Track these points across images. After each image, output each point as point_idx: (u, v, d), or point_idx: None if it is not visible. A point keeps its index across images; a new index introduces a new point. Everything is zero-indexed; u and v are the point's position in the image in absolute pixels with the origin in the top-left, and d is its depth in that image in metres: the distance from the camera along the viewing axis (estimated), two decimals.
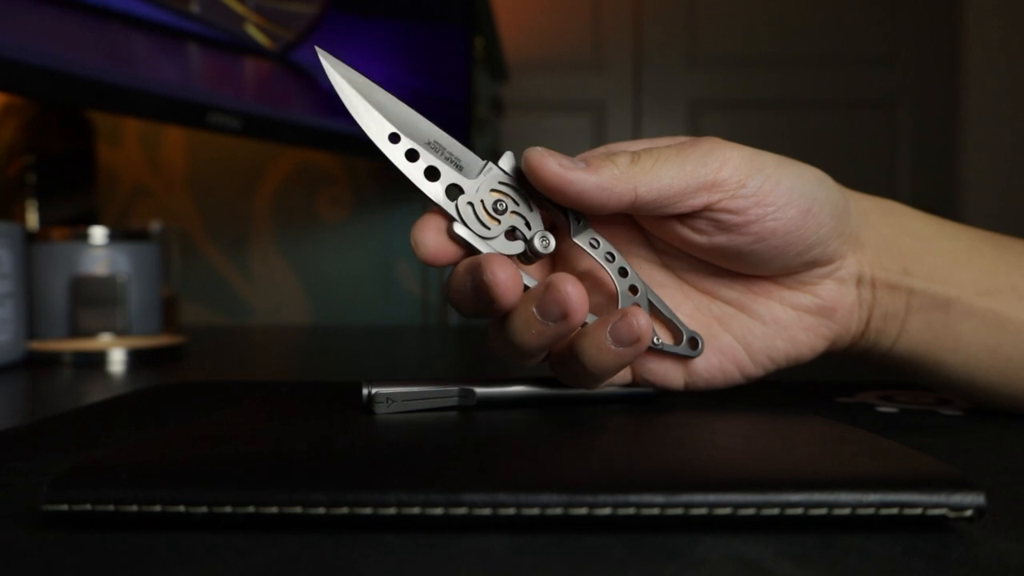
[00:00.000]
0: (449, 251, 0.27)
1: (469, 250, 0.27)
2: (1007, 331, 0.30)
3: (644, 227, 0.30)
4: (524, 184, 0.28)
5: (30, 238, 0.61)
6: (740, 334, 0.30)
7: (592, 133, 2.07)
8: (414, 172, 0.27)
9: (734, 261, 0.29)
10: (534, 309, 0.26)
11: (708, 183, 0.27)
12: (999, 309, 0.30)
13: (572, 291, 0.25)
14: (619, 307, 0.29)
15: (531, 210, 0.28)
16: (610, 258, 0.29)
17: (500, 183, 0.28)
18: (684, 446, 0.23)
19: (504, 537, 0.18)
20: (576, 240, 0.28)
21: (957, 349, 0.31)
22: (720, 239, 0.28)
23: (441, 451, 0.22)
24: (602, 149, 0.29)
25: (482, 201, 0.27)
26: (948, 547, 0.18)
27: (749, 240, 0.28)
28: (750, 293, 0.30)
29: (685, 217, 0.28)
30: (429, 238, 0.27)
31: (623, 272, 0.29)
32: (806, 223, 0.28)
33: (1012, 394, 0.31)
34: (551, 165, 0.26)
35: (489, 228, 0.27)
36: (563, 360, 0.28)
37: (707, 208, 0.27)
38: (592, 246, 0.28)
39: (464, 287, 0.27)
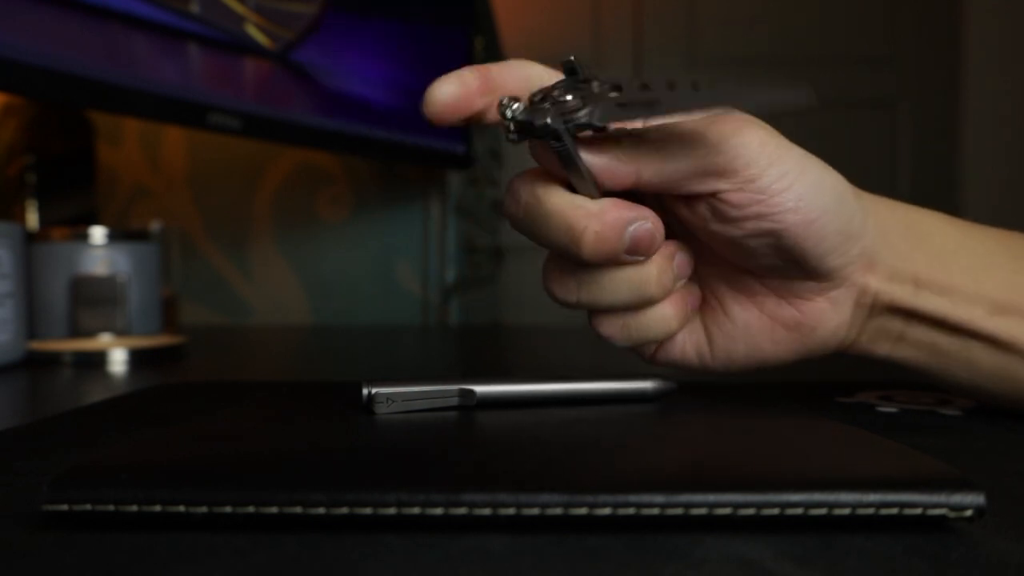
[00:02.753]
0: (460, 108, 0.27)
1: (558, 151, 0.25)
2: (1013, 353, 0.29)
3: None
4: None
5: (30, 238, 0.61)
6: (708, 324, 0.31)
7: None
8: None
9: (723, 250, 0.29)
10: (676, 270, 0.29)
11: (719, 170, 0.26)
12: (1011, 331, 0.29)
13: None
14: None
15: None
16: None
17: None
18: (684, 446, 0.23)
19: (504, 537, 0.18)
20: None
21: (961, 361, 0.30)
22: (715, 227, 0.27)
23: (441, 451, 0.22)
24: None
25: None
26: (948, 547, 0.18)
27: (742, 234, 0.27)
28: (733, 291, 0.30)
29: (688, 199, 0.27)
30: (447, 89, 0.27)
31: None
32: (807, 233, 0.26)
33: (1018, 406, 0.31)
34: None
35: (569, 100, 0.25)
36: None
37: (714, 195, 0.26)
38: None
39: (617, 236, 0.26)
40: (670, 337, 0.30)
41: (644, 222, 0.26)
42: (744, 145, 0.26)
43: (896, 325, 0.30)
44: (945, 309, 0.29)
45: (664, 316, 0.29)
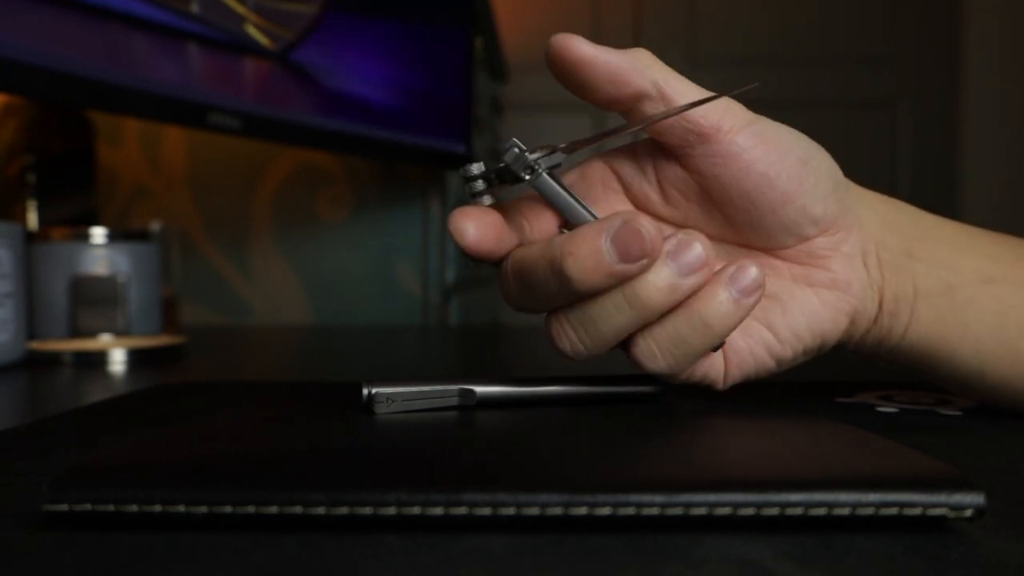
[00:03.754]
0: (490, 238, 0.27)
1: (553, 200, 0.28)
2: (1010, 317, 0.30)
3: (663, 180, 0.30)
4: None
5: (30, 238, 0.61)
6: (761, 315, 0.30)
7: (592, 133, 2.06)
8: None
9: (745, 213, 0.29)
10: (673, 265, 0.25)
11: (720, 107, 0.28)
12: (1003, 295, 0.30)
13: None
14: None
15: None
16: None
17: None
18: (684, 446, 0.23)
19: (504, 537, 0.18)
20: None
21: (965, 337, 0.31)
22: (728, 178, 0.28)
23: (441, 451, 0.22)
24: None
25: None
26: (948, 547, 0.18)
27: (755, 182, 0.28)
28: (767, 275, 0.30)
29: (693, 158, 0.29)
30: (470, 225, 0.27)
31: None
32: (806, 172, 0.28)
33: (1019, 395, 0.31)
34: (572, 39, 0.27)
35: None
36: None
37: (717, 135, 0.28)
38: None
39: (600, 251, 0.25)
40: (723, 340, 0.27)
41: (622, 222, 0.24)
42: (727, 101, 0.28)
43: (907, 291, 0.31)
44: (938, 272, 0.30)
45: (699, 317, 0.26)
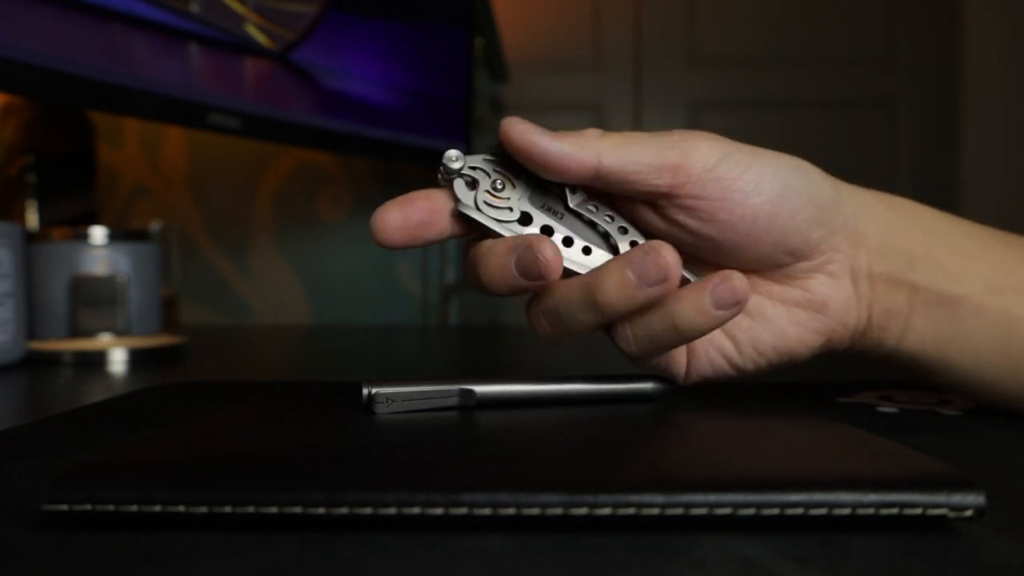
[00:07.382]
0: (404, 235, 0.29)
1: (481, 230, 0.29)
2: (1015, 330, 0.30)
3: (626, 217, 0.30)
4: (515, 166, 0.29)
5: (30, 238, 0.61)
6: (726, 327, 0.30)
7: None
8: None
9: (712, 251, 0.29)
10: (630, 273, 0.26)
11: (673, 165, 0.27)
12: (1010, 308, 0.30)
13: (671, 257, 0.26)
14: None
15: (515, 187, 0.29)
16: (609, 219, 0.29)
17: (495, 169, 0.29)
18: (684, 446, 0.23)
19: (504, 537, 0.18)
20: (574, 207, 0.29)
21: (965, 348, 0.30)
22: (693, 225, 0.28)
23: (441, 451, 0.22)
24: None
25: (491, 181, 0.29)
26: (948, 547, 0.18)
27: (718, 228, 0.28)
28: None
29: (655, 206, 0.28)
30: (391, 219, 0.29)
31: (623, 230, 0.29)
32: (776, 210, 0.28)
33: (1015, 396, 0.31)
34: (517, 126, 0.27)
35: (508, 210, 0.28)
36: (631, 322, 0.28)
37: (672, 192, 0.28)
38: (591, 211, 0.29)
39: (506, 265, 0.27)
40: (689, 338, 0.28)
41: (526, 248, 0.27)
42: (695, 147, 0.28)
43: (901, 304, 0.30)
44: (941, 284, 0.30)
45: (670, 317, 0.27)
